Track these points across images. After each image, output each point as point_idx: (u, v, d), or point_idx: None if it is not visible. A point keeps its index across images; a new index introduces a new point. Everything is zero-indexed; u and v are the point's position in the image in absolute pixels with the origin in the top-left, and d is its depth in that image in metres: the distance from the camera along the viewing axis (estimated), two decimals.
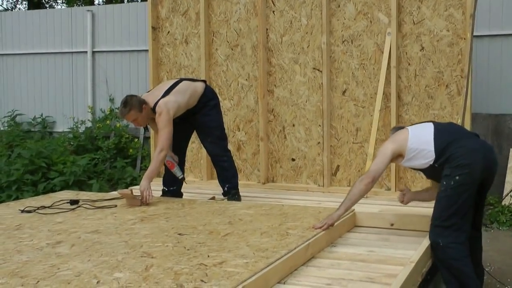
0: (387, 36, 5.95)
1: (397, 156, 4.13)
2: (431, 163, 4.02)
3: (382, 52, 5.98)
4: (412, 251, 3.82)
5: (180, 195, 5.59)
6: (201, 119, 5.41)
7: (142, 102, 5.08)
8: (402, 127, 4.44)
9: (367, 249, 3.98)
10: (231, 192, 5.48)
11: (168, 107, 5.06)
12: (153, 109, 5.10)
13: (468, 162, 3.88)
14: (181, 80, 5.44)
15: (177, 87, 5.26)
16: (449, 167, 3.91)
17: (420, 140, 4.06)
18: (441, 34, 5.80)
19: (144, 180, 4.99)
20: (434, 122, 4.29)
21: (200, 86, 5.46)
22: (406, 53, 5.93)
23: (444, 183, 3.92)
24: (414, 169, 4.36)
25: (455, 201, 3.87)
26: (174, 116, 5.11)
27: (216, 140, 5.50)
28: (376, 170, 4.04)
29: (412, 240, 4.24)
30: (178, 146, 5.45)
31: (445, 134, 4.07)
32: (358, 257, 3.78)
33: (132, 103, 5.03)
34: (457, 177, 3.86)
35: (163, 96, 5.13)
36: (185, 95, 5.27)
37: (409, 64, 5.93)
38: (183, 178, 5.43)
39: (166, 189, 5.57)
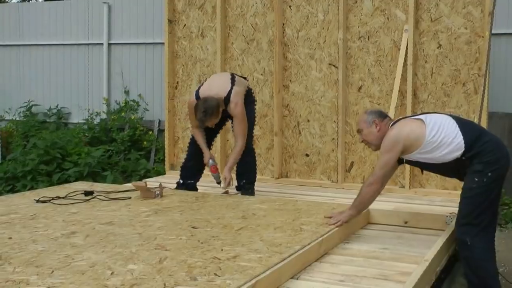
0: (404, 33, 5.91)
1: (404, 150, 3.89)
2: (459, 156, 3.79)
3: (399, 49, 5.95)
4: (426, 249, 3.79)
5: (195, 189, 5.60)
6: None
7: (219, 105, 5.16)
8: (382, 113, 4.12)
9: (381, 247, 3.97)
10: (246, 186, 5.48)
11: (241, 97, 5.25)
12: (225, 100, 5.20)
13: (496, 157, 3.76)
14: (231, 73, 5.58)
15: (236, 78, 5.41)
16: (479, 162, 3.74)
17: (444, 132, 3.81)
18: (459, 32, 5.75)
19: (226, 170, 5.32)
20: (448, 114, 4.09)
21: (246, 82, 5.62)
22: (423, 50, 5.90)
23: (476, 179, 3.75)
24: (421, 162, 3.99)
25: (487, 197, 3.75)
26: None
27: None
28: (384, 173, 3.88)
29: (426, 238, 4.21)
30: (208, 142, 5.54)
31: (469, 126, 3.91)
32: (372, 254, 3.77)
33: (212, 110, 5.09)
34: (489, 173, 3.72)
35: (232, 87, 5.27)
36: (242, 87, 5.40)
37: (425, 62, 5.90)
38: (220, 182, 5.45)
39: (182, 182, 5.57)
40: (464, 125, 3.89)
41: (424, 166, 4.09)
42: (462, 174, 3.90)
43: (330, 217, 4.09)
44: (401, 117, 4.13)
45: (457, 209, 3.92)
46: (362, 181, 6.05)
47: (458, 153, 3.78)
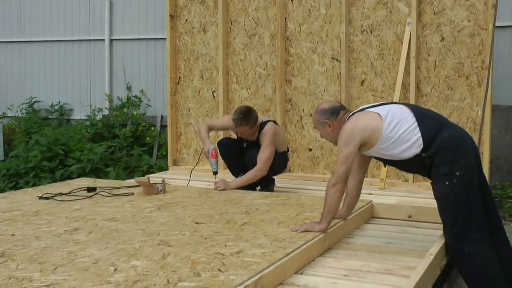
0: (407, 26, 5.88)
1: (362, 145, 3.66)
2: (418, 152, 3.57)
3: (402, 42, 5.92)
4: (431, 243, 3.78)
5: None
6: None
7: (257, 120, 5.31)
8: (335, 109, 3.84)
9: (385, 241, 3.96)
10: (263, 183, 5.49)
11: (274, 131, 5.29)
12: (261, 126, 5.34)
13: (460, 152, 3.53)
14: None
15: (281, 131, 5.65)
16: (443, 164, 3.53)
17: (403, 127, 3.58)
18: (462, 25, 5.72)
19: (233, 182, 5.29)
20: (407, 105, 3.84)
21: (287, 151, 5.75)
22: (426, 43, 5.87)
23: (447, 183, 3.52)
24: (382, 159, 3.84)
25: (466, 198, 3.51)
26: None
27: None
28: (345, 170, 3.58)
29: (430, 232, 4.20)
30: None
31: (428, 121, 3.64)
32: (376, 249, 3.76)
33: (250, 118, 5.25)
34: (457, 173, 3.49)
35: (272, 121, 5.44)
36: (280, 134, 5.52)
37: (428, 55, 5.87)
38: (216, 173, 5.46)
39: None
40: (423, 119, 3.62)
41: (387, 162, 3.90)
42: (427, 172, 3.67)
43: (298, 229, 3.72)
44: (359, 108, 3.88)
45: (441, 216, 3.68)
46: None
47: (417, 150, 3.57)
